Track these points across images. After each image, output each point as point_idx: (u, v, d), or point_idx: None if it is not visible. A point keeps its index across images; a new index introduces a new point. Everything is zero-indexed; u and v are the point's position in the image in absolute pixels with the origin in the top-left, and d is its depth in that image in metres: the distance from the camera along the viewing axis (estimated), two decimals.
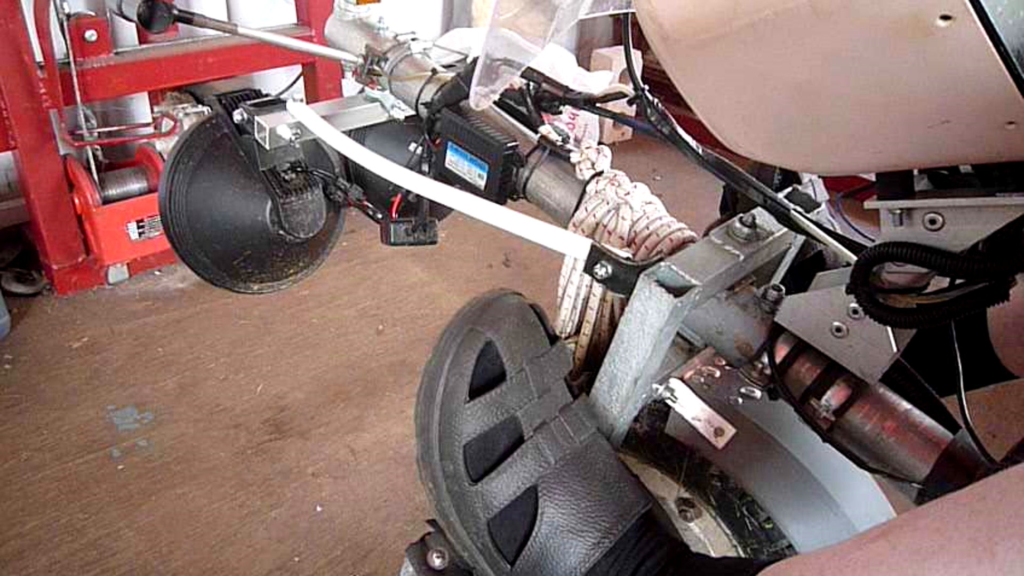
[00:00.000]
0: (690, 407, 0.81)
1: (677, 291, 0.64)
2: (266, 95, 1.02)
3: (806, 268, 0.83)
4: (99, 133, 2.26)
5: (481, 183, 0.81)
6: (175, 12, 1.02)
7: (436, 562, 0.68)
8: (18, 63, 2.03)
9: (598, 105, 0.78)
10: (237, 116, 0.99)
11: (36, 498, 1.78)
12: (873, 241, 0.65)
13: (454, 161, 0.83)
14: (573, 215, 0.77)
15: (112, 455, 1.91)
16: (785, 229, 0.76)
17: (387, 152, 1.10)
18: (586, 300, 0.75)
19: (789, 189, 0.81)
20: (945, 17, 0.41)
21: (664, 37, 0.52)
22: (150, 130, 2.41)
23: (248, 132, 0.99)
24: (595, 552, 0.62)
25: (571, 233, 0.71)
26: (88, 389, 2.09)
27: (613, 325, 0.78)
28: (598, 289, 0.73)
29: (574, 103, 0.80)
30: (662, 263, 0.67)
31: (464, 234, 2.82)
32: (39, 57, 2.08)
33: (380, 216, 1.06)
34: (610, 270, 0.68)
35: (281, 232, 1.12)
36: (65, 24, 2.06)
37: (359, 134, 1.05)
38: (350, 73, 0.94)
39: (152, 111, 2.46)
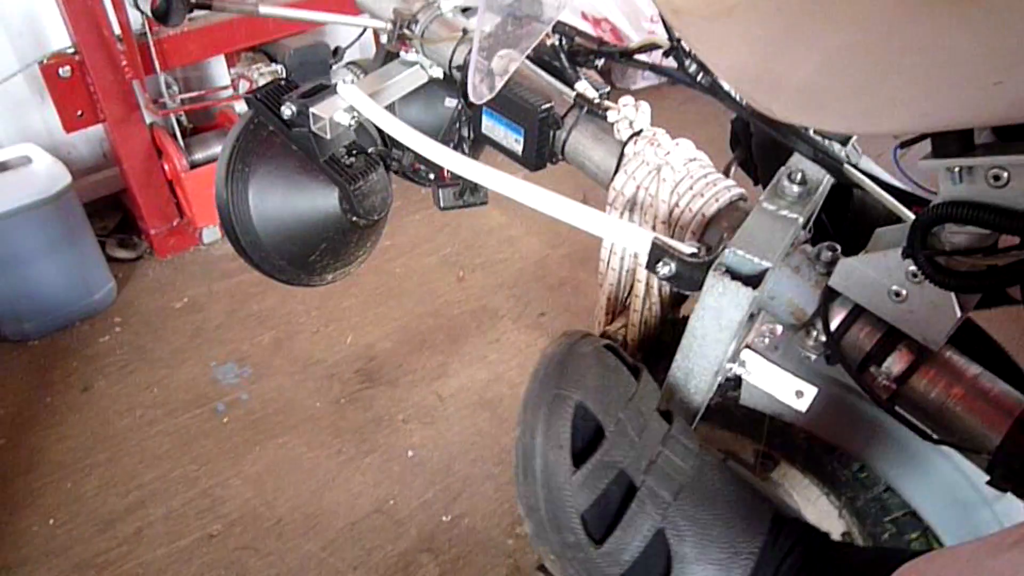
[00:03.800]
0: (765, 376, 0.77)
1: (751, 279, 0.61)
2: (295, 83, 0.98)
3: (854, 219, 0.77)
4: (180, 100, 2.33)
5: (519, 148, 0.78)
6: (192, 0, 0.98)
7: None
8: (99, 38, 2.10)
9: (633, 57, 0.74)
10: (286, 111, 0.93)
11: (151, 452, 1.92)
12: (934, 194, 0.59)
13: (490, 126, 0.80)
14: (613, 178, 0.74)
15: (217, 409, 2.04)
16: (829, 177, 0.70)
17: (418, 110, 1.07)
18: (631, 272, 0.72)
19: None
20: None
21: (675, 10, 0.47)
22: (229, 92, 2.46)
23: (300, 125, 0.94)
24: (739, 575, 0.60)
25: (629, 224, 0.67)
26: (192, 347, 2.21)
27: (663, 298, 0.75)
28: (642, 273, 0.70)
29: (609, 56, 0.75)
30: (726, 249, 0.63)
31: (539, 174, 2.76)
32: (117, 30, 2.14)
33: (432, 177, 1.04)
34: (674, 268, 0.64)
35: (355, 218, 1.08)
36: None
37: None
38: (383, 38, 0.91)
39: (229, 73, 2.51)
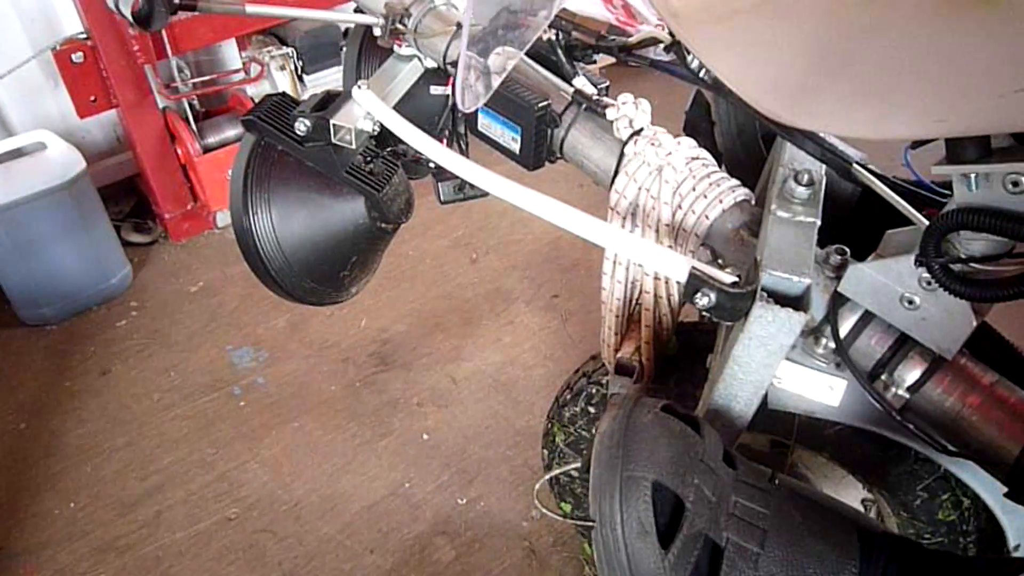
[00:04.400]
0: (796, 380, 0.75)
1: (796, 301, 0.59)
2: (290, 97, 0.93)
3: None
4: (192, 84, 2.32)
5: (516, 147, 0.76)
6: (176, 1, 0.94)
7: None
8: (110, 23, 2.09)
9: (633, 52, 0.71)
10: (300, 127, 0.89)
11: (170, 436, 1.94)
12: (948, 192, 0.56)
13: (487, 124, 0.78)
14: (614, 180, 0.71)
15: (234, 392, 2.05)
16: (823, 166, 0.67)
17: (405, 98, 1.02)
18: (637, 282, 0.70)
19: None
20: None
21: (674, 14, 0.45)
22: (241, 75, 2.44)
23: (315, 139, 0.90)
24: None
25: (667, 250, 0.64)
26: (207, 331, 2.23)
27: (672, 306, 0.73)
28: (650, 284, 0.68)
29: (608, 51, 0.72)
30: (763, 273, 0.60)
31: (548, 168, 2.73)
32: None
33: (434, 169, 1.02)
34: (714, 299, 0.61)
35: (384, 225, 1.04)
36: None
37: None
38: (377, 32, 0.89)
39: (241, 56, 2.49)
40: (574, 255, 2.45)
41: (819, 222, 0.66)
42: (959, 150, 0.50)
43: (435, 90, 0.86)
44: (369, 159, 0.98)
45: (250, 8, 0.98)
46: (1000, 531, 0.82)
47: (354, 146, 0.89)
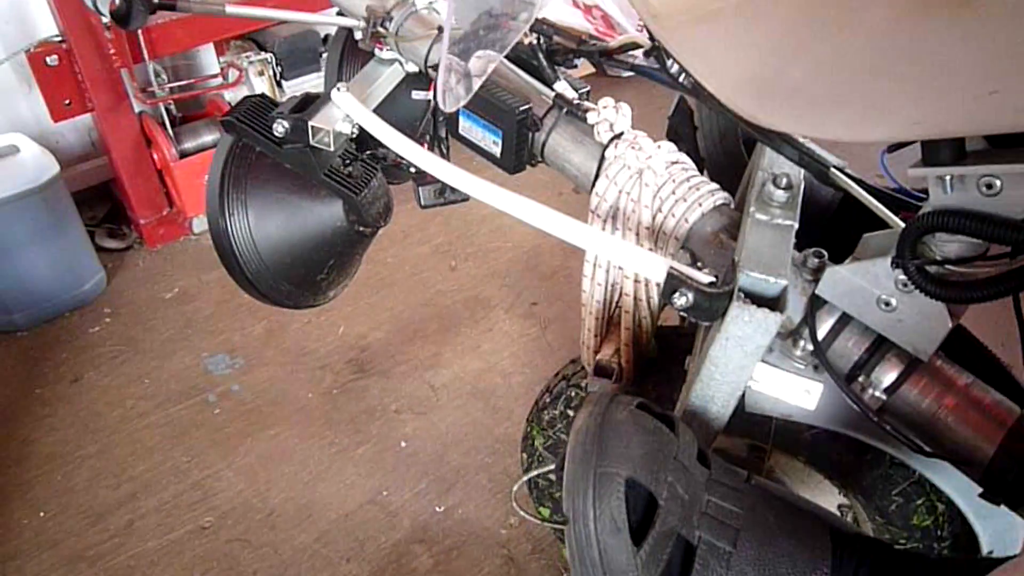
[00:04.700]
0: (771, 383, 0.75)
1: (773, 302, 0.59)
2: (269, 99, 0.93)
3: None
4: (169, 88, 2.30)
5: (497, 150, 0.76)
6: (155, 1, 0.94)
7: None
8: (86, 25, 2.07)
9: (614, 57, 0.71)
10: (278, 129, 0.88)
11: (143, 443, 1.91)
12: (925, 198, 0.57)
13: (467, 127, 0.78)
14: (595, 183, 0.71)
15: (208, 400, 2.03)
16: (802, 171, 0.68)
17: (386, 102, 1.02)
18: (616, 285, 0.70)
19: None
20: None
21: (654, 15, 0.45)
22: (219, 80, 2.43)
23: (293, 141, 0.89)
24: None
25: (645, 251, 0.64)
26: (182, 338, 2.20)
27: (651, 308, 0.73)
28: (629, 287, 0.68)
29: (589, 56, 0.73)
30: (740, 274, 0.61)
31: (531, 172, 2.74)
32: (105, 18, 2.11)
33: (415, 172, 1.02)
34: (692, 299, 0.62)
35: (362, 228, 1.03)
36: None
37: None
38: (358, 36, 0.88)
39: (219, 61, 2.47)
40: (554, 263, 2.45)
41: (796, 225, 0.66)
42: (935, 153, 0.51)
43: (417, 95, 0.86)
44: (348, 162, 0.97)
45: (230, 8, 0.97)
46: (974, 536, 0.83)
47: (332, 148, 0.88)
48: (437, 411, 2.01)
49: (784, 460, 1.23)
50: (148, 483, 1.82)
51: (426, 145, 1.00)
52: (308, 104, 0.89)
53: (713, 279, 0.62)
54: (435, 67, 0.83)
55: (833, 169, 0.65)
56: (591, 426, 0.61)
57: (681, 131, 0.81)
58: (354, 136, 0.91)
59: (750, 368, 0.63)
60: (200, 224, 2.51)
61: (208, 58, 2.49)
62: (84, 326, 2.22)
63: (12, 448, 1.89)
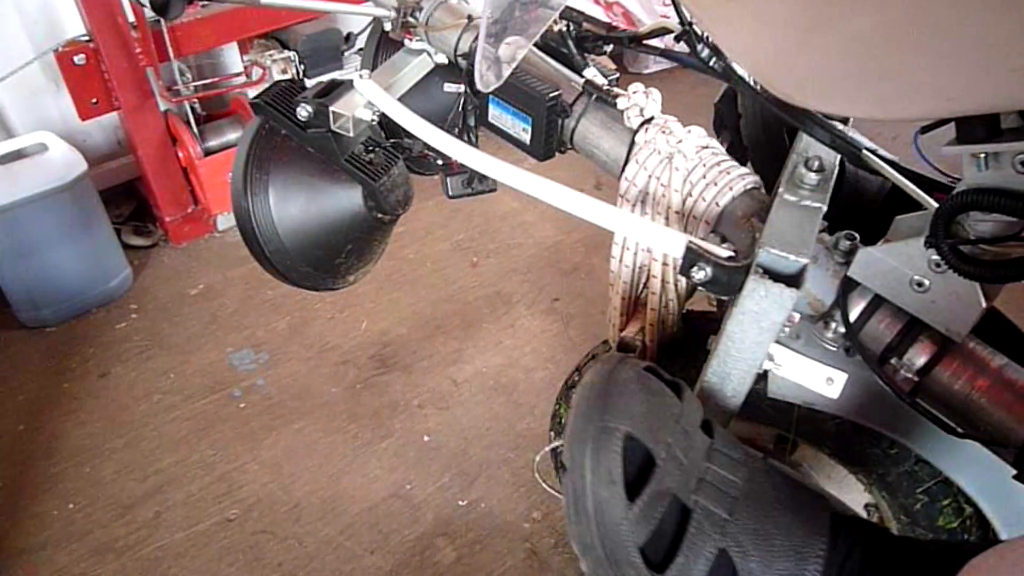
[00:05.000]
0: (794, 367, 0.75)
1: (791, 278, 0.59)
2: (300, 83, 0.95)
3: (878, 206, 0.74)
4: (194, 87, 2.33)
5: (526, 137, 0.77)
6: None
7: None
8: (113, 25, 2.10)
9: (643, 43, 0.71)
10: (302, 112, 0.91)
11: (169, 437, 1.93)
12: (957, 180, 0.57)
13: (497, 115, 0.79)
14: (624, 168, 0.72)
15: (233, 394, 2.05)
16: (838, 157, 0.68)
17: (416, 95, 1.04)
18: (644, 267, 0.70)
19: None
20: None
21: None
22: (243, 79, 2.45)
23: (317, 126, 0.91)
24: None
25: (664, 227, 0.65)
26: (208, 333, 2.22)
27: (679, 292, 0.74)
28: (657, 269, 0.69)
29: (618, 42, 0.73)
30: (760, 250, 0.61)
31: (553, 159, 2.74)
32: (131, 17, 2.14)
33: (440, 163, 1.03)
34: (710, 272, 0.62)
35: (380, 215, 1.05)
36: None
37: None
38: (387, 26, 0.89)
39: (242, 60, 2.49)
40: (575, 259, 2.46)
41: (824, 208, 0.66)
42: (969, 130, 0.51)
43: (448, 87, 0.87)
44: (371, 149, 0.99)
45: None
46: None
47: (352, 134, 0.90)
48: (459, 406, 2.02)
49: (811, 453, 1.22)
50: (174, 476, 1.84)
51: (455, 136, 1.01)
52: (333, 89, 0.90)
53: (732, 253, 0.63)
54: (464, 56, 0.84)
55: (865, 151, 0.65)
56: (596, 381, 0.62)
57: (727, 118, 0.81)
58: (374, 123, 0.92)
59: (766, 345, 0.63)
60: (224, 221, 2.54)
61: (232, 57, 2.52)
62: (111, 322, 2.25)
63: (41, 442, 1.92)
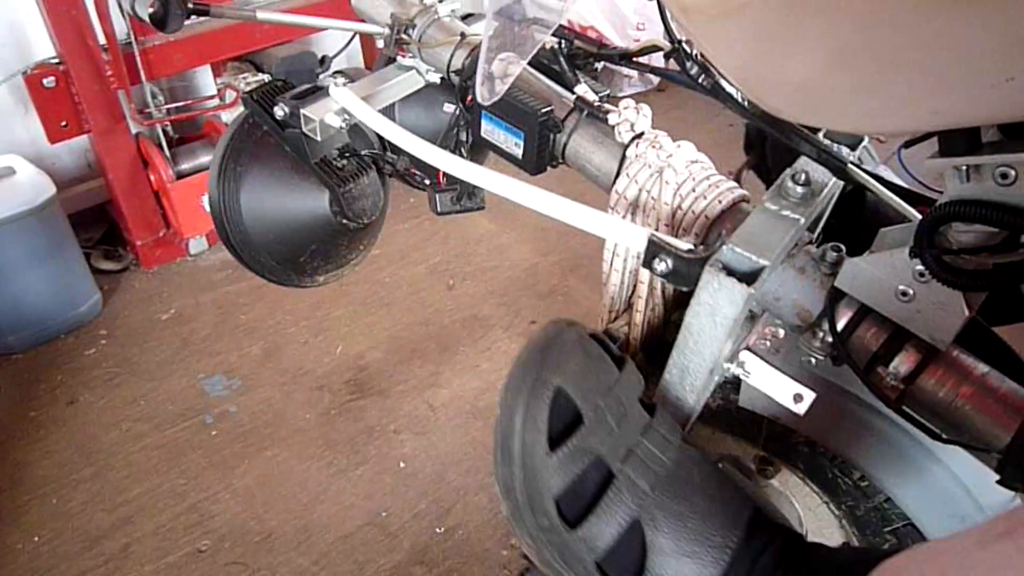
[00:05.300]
0: (764, 378, 0.77)
1: (747, 276, 0.61)
2: (291, 84, 0.99)
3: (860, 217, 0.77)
4: (166, 110, 2.31)
5: (519, 152, 0.78)
6: (190, 6, 0.97)
7: None
8: (83, 47, 2.08)
9: (634, 60, 0.73)
10: (279, 112, 0.94)
11: (139, 466, 1.89)
12: (940, 194, 0.59)
13: (489, 130, 0.80)
14: (615, 182, 0.73)
15: (205, 421, 2.01)
16: (835, 179, 0.70)
17: (417, 115, 1.07)
18: (634, 273, 0.72)
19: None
20: None
21: (683, 8, 0.47)
22: (215, 102, 2.45)
23: (292, 126, 0.95)
24: (713, 570, 0.60)
25: (626, 222, 0.67)
26: (179, 359, 2.19)
27: (666, 299, 0.75)
28: (645, 275, 0.70)
29: (609, 59, 0.75)
30: (724, 246, 0.63)
31: (531, 181, 2.76)
32: (102, 40, 2.13)
33: (428, 182, 1.04)
34: (670, 264, 0.64)
35: (344, 221, 1.08)
36: (123, 5, 2.09)
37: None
38: (380, 44, 0.91)
39: (215, 83, 2.49)
40: (552, 281, 2.47)
41: (804, 221, 0.67)
42: (952, 144, 0.53)
43: (448, 107, 0.89)
44: (346, 156, 1.03)
45: (261, 15, 1.00)
46: None
47: (319, 139, 0.93)
48: (436, 431, 2.01)
49: (792, 480, 1.23)
50: (144, 506, 1.80)
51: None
52: (314, 93, 0.93)
53: (691, 247, 0.65)
54: (457, 72, 0.85)
55: (850, 166, 0.67)
56: (541, 339, 0.64)
57: (755, 140, 0.83)
58: (344, 130, 0.95)
59: (720, 340, 0.64)
60: (196, 245, 2.51)
61: (205, 79, 2.52)
62: (80, 348, 2.21)
63: (6, 471, 1.86)
